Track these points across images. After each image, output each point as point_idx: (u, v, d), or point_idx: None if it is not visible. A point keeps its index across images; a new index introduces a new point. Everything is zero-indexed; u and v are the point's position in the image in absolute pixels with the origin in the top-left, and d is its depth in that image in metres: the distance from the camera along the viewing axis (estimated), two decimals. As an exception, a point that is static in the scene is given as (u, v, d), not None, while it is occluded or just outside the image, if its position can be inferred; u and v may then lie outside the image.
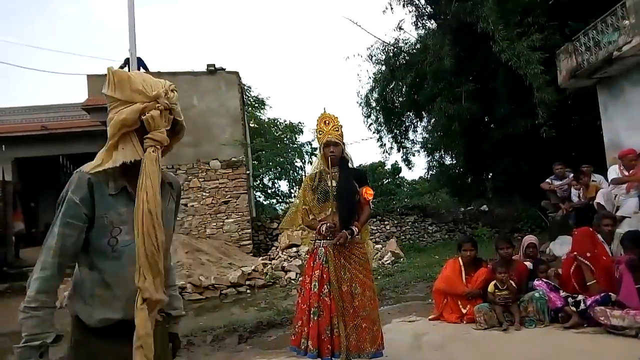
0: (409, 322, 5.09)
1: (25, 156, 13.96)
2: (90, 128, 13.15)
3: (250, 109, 22.54)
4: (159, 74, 11.79)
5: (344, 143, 3.63)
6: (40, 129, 13.71)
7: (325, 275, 3.39)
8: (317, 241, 3.54)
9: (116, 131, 1.54)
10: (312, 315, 3.32)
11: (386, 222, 13.53)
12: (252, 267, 8.97)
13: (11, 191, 12.26)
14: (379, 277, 7.90)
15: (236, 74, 13.20)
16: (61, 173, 12.02)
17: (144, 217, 1.50)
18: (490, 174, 15.59)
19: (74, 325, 1.62)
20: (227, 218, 12.08)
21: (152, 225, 1.50)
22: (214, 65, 12.70)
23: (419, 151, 17.20)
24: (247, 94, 21.22)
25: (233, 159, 12.31)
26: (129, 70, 10.80)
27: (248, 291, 8.30)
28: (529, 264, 5.07)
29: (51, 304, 1.49)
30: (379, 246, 11.38)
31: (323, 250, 3.45)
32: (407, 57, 15.29)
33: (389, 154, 17.47)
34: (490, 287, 4.76)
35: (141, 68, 10.20)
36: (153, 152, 1.55)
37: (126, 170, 1.56)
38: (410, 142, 17.25)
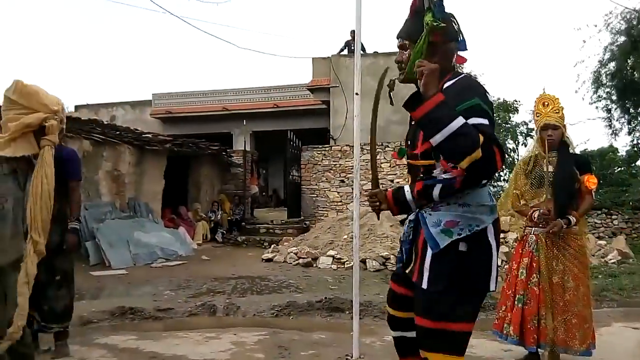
0: (634, 328, 4.51)
1: (261, 130, 16.28)
2: (313, 106, 14.64)
3: (461, 86, 21.81)
4: (375, 55, 12.42)
5: (564, 126, 3.38)
6: (272, 107, 15.79)
7: (534, 264, 3.27)
8: (528, 228, 3.41)
9: (19, 129, 2.08)
10: (516, 302, 3.26)
11: (614, 217, 11.88)
12: (455, 248, 8.93)
13: (250, 159, 14.51)
14: (600, 277, 7.07)
15: (448, 51, 12.95)
16: (288, 146, 13.61)
17: (42, 194, 2.02)
18: None
19: None
20: (431, 197, 12.15)
21: (48, 199, 2.04)
22: (426, 44, 12.66)
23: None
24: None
25: (441, 138, 12.23)
26: (348, 52, 11.59)
27: (449, 271, 8.32)
28: None
29: None
30: (602, 242, 10.09)
31: (534, 237, 3.32)
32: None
33: (617, 135, 15.15)
34: None
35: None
36: (49, 149, 2.12)
37: (15, 157, 2.07)
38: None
